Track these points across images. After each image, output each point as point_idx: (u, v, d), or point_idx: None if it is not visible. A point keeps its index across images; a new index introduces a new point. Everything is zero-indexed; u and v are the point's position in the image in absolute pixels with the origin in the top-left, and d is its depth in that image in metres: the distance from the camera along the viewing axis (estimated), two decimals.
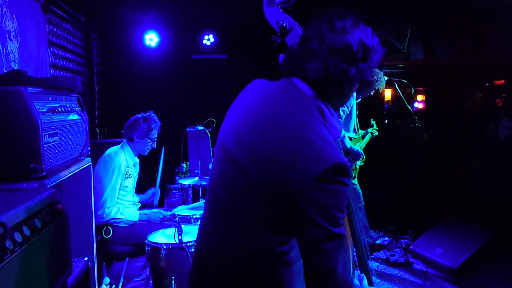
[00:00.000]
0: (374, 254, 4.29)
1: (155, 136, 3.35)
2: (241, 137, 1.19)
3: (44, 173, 1.66)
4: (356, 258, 1.55)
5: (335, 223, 1.05)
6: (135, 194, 3.43)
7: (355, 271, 1.65)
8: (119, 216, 3.13)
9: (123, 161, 3.22)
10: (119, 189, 3.21)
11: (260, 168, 1.10)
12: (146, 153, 3.39)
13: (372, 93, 4.14)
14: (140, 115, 3.33)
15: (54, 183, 1.73)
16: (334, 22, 1.14)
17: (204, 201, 1.41)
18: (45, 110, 1.73)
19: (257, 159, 1.12)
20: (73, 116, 2.07)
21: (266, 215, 1.11)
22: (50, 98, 1.88)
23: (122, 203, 3.25)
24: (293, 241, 1.17)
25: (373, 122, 4.47)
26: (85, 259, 1.48)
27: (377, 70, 4.03)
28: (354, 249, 1.48)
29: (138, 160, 3.43)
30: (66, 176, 1.90)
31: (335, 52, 1.12)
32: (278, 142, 1.09)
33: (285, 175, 1.05)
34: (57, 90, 2.02)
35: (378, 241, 4.49)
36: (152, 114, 3.36)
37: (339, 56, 1.12)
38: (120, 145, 3.33)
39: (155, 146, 3.39)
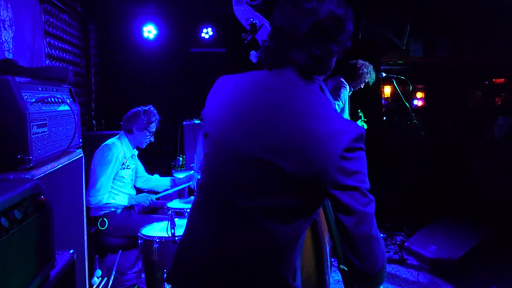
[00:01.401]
0: None
1: (154, 129, 3.39)
2: (256, 133, 1.13)
3: (31, 164, 1.63)
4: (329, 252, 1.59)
5: (367, 189, 1.10)
6: (133, 187, 3.44)
7: (332, 261, 1.68)
8: (111, 201, 3.16)
9: (121, 152, 3.24)
10: (115, 179, 3.23)
11: (292, 156, 1.08)
12: (144, 146, 3.42)
13: (362, 86, 4.16)
14: (140, 108, 3.37)
15: (42, 175, 1.70)
16: (301, 4, 1.14)
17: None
18: (34, 100, 1.71)
19: (286, 149, 1.09)
20: (64, 107, 2.04)
21: (300, 203, 1.11)
22: (40, 89, 1.85)
23: (118, 193, 3.26)
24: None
25: (361, 114, 4.30)
26: (71, 251, 1.46)
27: (367, 63, 4.07)
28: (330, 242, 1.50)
29: (136, 152, 3.43)
30: (55, 168, 1.87)
31: (313, 35, 1.14)
32: (301, 126, 1.09)
33: (318, 155, 1.06)
34: (48, 81, 1.99)
35: None
36: (152, 108, 3.41)
37: (319, 38, 1.14)
38: (117, 136, 3.34)
39: (153, 139, 3.42)
